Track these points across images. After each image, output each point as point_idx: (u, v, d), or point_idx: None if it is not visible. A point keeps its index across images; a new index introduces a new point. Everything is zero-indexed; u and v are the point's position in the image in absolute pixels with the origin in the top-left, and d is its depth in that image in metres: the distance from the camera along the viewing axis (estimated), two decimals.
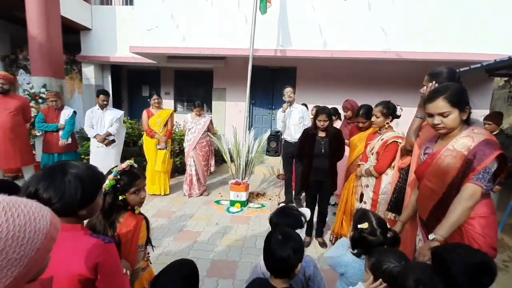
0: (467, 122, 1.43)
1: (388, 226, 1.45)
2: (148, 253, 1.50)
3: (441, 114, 1.36)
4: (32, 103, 4.80)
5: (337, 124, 4.23)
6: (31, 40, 4.88)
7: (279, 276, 1.17)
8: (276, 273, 1.18)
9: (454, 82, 1.62)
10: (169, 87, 7.66)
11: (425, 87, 1.79)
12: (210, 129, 4.56)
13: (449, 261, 0.99)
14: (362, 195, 2.51)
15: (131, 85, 7.99)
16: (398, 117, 2.39)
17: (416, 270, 0.97)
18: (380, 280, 1.13)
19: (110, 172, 1.31)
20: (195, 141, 4.41)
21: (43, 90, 4.97)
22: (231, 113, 6.40)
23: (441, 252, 1.07)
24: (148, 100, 4.40)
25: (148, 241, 1.45)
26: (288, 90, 4.08)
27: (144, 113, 4.38)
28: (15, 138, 3.86)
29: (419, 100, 1.80)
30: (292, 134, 4.05)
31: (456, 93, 1.35)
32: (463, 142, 1.34)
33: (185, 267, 1.03)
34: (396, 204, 2.10)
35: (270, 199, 4.52)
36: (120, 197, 1.28)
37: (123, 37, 6.15)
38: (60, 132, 4.10)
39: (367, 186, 2.45)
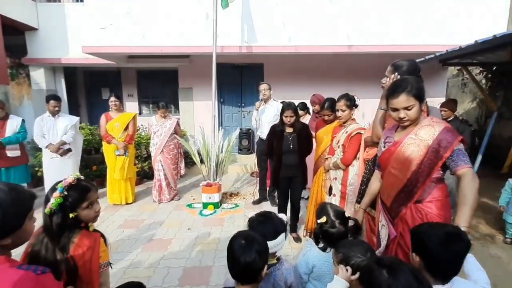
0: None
1: (348, 215, 1.46)
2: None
3: (406, 108, 1.41)
4: None
5: (306, 118, 4.28)
6: None
7: (246, 283, 1.12)
8: (242, 280, 1.12)
9: (415, 74, 1.70)
10: (132, 89, 7.25)
11: (387, 78, 1.82)
12: (177, 131, 4.37)
13: (424, 235, 1.07)
14: (331, 188, 2.53)
15: (89, 88, 7.45)
16: (357, 106, 2.44)
17: (384, 259, 0.97)
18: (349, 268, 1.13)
19: (54, 189, 1.15)
20: (162, 144, 4.20)
21: None
22: (199, 113, 6.21)
23: (416, 230, 1.15)
24: (108, 102, 4.10)
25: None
26: (262, 88, 4.01)
27: (103, 117, 4.07)
28: None
29: (382, 91, 1.83)
30: (266, 131, 3.99)
31: (417, 87, 1.41)
32: (426, 131, 1.41)
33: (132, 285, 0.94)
34: (363, 196, 2.13)
35: (244, 198, 4.46)
36: (71, 215, 1.13)
37: (75, 37, 5.68)
38: (7, 147, 3.70)
39: (335, 178, 2.47)
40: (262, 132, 3.99)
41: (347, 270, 1.13)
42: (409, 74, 1.66)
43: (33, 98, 6.24)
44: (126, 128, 4.10)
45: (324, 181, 2.69)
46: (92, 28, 4.84)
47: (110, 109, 4.09)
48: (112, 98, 4.04)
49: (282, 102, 3.65)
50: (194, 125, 6.20)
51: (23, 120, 3.95)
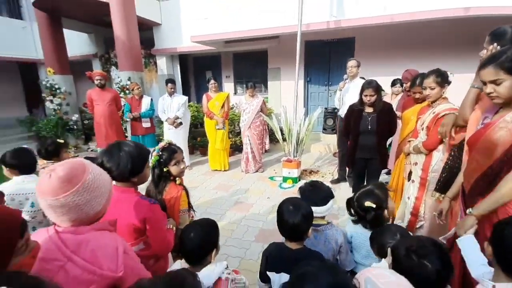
0: None
1: (368, 206, 1.44)
2: (192, 216, 1.83)
3: (494, 82, 1.22)
4: (121, 94, 5.85)
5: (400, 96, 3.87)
6: (116, 40, 5.85)
7: (293, 240, 1.33)
8: (290, 238, 1.34)
9: None
10: (229, 71, 8.09)
11: (485, 50, 1.55)
12: (263, 109, 4.76)
13: (506, 226, 0.95)
14: (410, 173, 2.34)
15: (197, 71, 8.75)
16: (449, 83, 2.10)
17: (407, 240, 0.99)
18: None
19: (153, 150, 1.64)
20: (249, 121, 4.69)
21: (128, 82, 5.97)
22: (286, 92, 6.42)
23: (502, 221, 1.02)
24: (207, 84, 4.83)
25: (190, 206, 1.77)
26: (349, 64, 3.83)
27: (204, 97, 4.85)
28: (111, 123, 4.87)
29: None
30: None
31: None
32: None
33: (207, 222, 1.30)
34: (445, 184, 1.92)
35: (323, 176, 4.54)
36: (164, 169, 1.61)
37: (186, 28, 6.72)
38: (143, 119, 4.95)
39: (416, 163, 2.26)
40: (344, 111, 3.86)
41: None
42: None
43: (158, 82, 7.89)
44: (223, 106, 4.77)
45: (404, 165, 2.50)
46: (198, 20, 5.63)
47: (210, 90, 4.82)
48: (212, 81, 4.74)
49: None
50: (280, 103, 6.49)
51: (151, 99, 5.14)
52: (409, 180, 2.36)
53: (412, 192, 2.28)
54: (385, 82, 4.55)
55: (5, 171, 1.86)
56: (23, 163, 1.85)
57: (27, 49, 8.78)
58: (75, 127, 7.39)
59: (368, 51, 5.45)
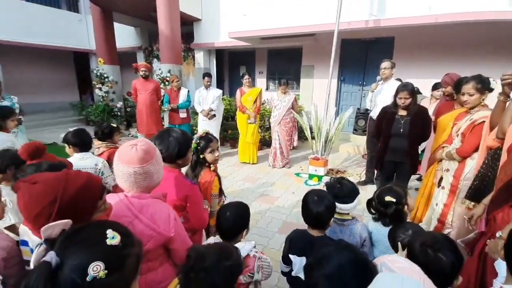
0: None
1: (388, 200, 1.48)
2: (223, 201, 2.02)
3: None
4: (161, 86, 6.26)
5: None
6: (160, 35, 6.25)
7: (315, 228, 1.45)
8: (312, 225, 1.46)
9: None
10: (263, 66, 8.22)
11: None
12: (294, 106, 4.84)
13: None
14: (441, 179, 2.32)
15: (231, 66, 9.00)
16: (491, 90, 2.03)
17: (422, 235, 1.06)
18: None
19: (192, 138, 1.84)
20: (279, 117, 4.81)
21: (168, 74, 6.37)
22: (318, 90, 6.40)
23: None
24: (241, 80, 5.02)
25: (221, 192, 1.95)
26: (382, 65, 3.78)
27: (238, 92, 5.04)
28: (151, 112, 5.27)
29: None
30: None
31: None
32: None
33: (240, 205, 1.47)
34: (475, 192, 1.90)
35: (349, 177, 4.52)
36: (201, 156, 1.80)
37: (225, 24, 6.95)
38: (180, 110, 5.28)
39: (448, 170, 2.24)
40: (376, 113, 3.82)
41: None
42: None
43: (195, 75, 8.27)
44: (255, 101, 4.93)
45: (435, 171, 2.47)
46: (236, 16, 5.81)
47: (244, 85, 5.00)
48: (246, 77, 4.92)
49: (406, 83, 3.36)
50: (312, 101, 6.50)
51: (188, 91, 5.46)
52: (438, 186, 2.34)
53: (441, 198, 2.27)
54: (424, 85, 4.40)
55: (67, 149, 2.19)
56: (83, 142, 2.16)
57: (81, 40, 9.67)
58: (119, 113, 8.06)
59: (408, 51, 5.24)
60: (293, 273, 1.48)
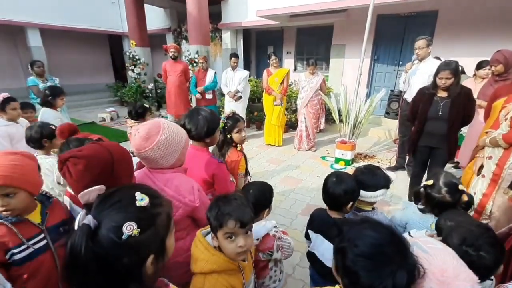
0: None
1: (461, 188, 1.36)
2: (248, 181, 2.05)
3: None
4: (189, 67, 6.35)
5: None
6: (189, 16, 6.25)
7: (333, 209, 1.44)
8: (330, 206, 1.45)
9: None
10: (291, 46, 7.96)
11: None
12: (322, 87, 4.67)
13: None
14: (481, 167, 2.14)
15: (259, 46, 8.82)
16: None
17: (462, 229, 0.99)
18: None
19: (220, 118, 1.86)
20: (306, 99, 4.69)
21: (196, 56, 6.42)
22: (348, 71, 6.09)
23: None
24: (268, 60, 4.91)
25: (247, 172, 1.98)
26: (417, 45, 3.42)
27: (264, 73, 4.97)
28: (180, 93, 5.39)
29: None
30: (414, 93, 3.57)
31: None
32: None
33: (265, 184, 1.50)
34: None
35: (378, 162, 4.36)
36: (228, 136, 1.82)
37: (252, 2, 6.74)
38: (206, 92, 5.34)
39: (490, 157, 2.06)
40: (410, 94, 3.57)
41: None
42: None
43: (222, 56, 8.24)
44: (282, 82, 4.84)
45: (476, 158, 2.29)
46: None
47: (270, 66, 4.90)
48: (273, 57, 4.80)
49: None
50: (341, 83, 6.23)
51: (215, 73, 5.48)
52: (478, 175, 2.18)
53: (480, 187, 2.11)
54: (470, 64, 4.00)
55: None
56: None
57: (115, 23, 10.00)
58: (150, 94, 8.37)
59: (453, 27, 4.71)
60: (309, 248, 1.51)
